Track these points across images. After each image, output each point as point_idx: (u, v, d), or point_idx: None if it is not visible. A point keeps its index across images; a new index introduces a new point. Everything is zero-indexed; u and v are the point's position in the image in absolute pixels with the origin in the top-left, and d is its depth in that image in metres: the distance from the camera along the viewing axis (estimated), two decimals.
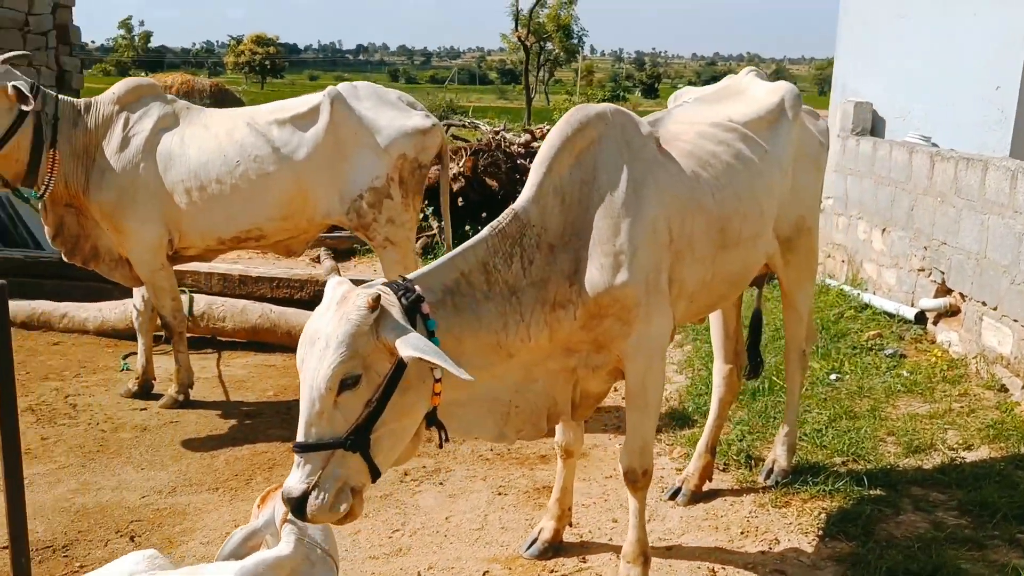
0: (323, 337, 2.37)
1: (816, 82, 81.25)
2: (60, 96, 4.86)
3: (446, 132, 13.22)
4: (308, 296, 6.63)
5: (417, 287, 2.59)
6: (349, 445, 2.40)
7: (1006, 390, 5.25)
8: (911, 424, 4.86)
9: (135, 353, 5.54)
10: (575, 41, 49.22)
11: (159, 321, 5.25)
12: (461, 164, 10.11)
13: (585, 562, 3.62)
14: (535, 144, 10.34)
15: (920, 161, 6.71)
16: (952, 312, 6.20)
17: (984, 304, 5.68)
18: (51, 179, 4.74)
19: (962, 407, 5.10)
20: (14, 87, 4.53)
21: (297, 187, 4.84)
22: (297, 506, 2.37)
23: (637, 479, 3.26)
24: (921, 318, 6.46)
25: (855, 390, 5.38)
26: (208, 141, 4.84)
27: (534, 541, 3.66)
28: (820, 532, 3.82)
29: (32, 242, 8.16)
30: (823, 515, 3.94)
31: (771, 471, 4.26)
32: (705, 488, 4.19)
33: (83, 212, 4.93)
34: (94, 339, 6.40)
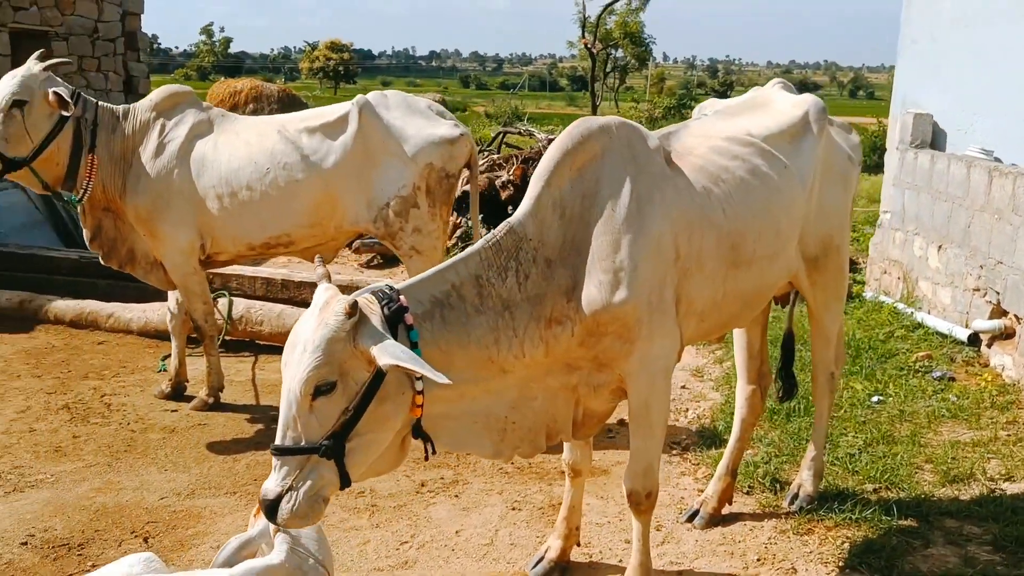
0: (302, 342, 2.38)
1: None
2: (100, 102, 4.98)
3: (501, 139, 13.33)
4: None
5: (402, 297, 2.55)
6: (323, 452, 2.39)
7: None
8: (951, 452, 4.63)
9: None
10: (643, 48, 48.88)
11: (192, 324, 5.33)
12: (511, 172, 10.08)
13: None
14: None
15: (978, 176, 6.43)
16: (1007, 334, 5.92)
17: None
18: (89, 183, 4.86)
19: (1009, 435, 4.85)
20: (55, 93, 4.65)
21: (325, 194, 4.87)
22: (269, 508, 2.37)
23: (640, 501, 3.17)
24: (975, 340, 6.19)
25: (896, 414, 5.16)
26: (239, 148, 4.90)
27: (540, 559, 3.59)
28: (841, 563, 3.65)
29: None
30: (846, 545, 3.77)
31: (796, 496, 4.11)
32: (725, 511, 4.05)
33: (120, 216, 5.04)
34: (137, 339, 6.55)
